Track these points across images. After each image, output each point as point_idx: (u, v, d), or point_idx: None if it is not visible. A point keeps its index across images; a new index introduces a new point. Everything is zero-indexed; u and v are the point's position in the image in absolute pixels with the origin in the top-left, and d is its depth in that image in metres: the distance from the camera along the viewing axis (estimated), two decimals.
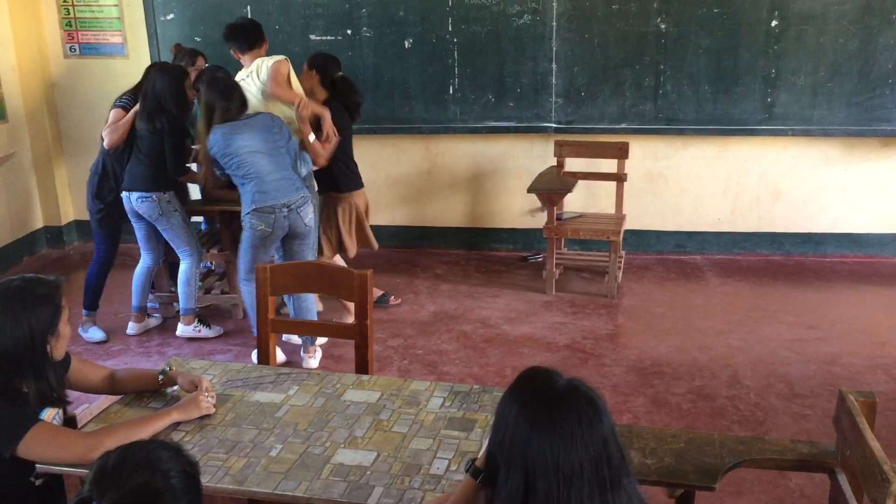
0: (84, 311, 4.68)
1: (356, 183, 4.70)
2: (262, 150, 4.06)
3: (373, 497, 1.98)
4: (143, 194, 4.35)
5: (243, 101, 4.13)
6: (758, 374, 4.11)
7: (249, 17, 5.75)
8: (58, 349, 2.26)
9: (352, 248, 4.70)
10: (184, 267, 4.55)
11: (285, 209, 4.06)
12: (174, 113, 4.31)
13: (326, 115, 4.42)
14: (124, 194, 4.40)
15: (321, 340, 4.46)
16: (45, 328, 2.19)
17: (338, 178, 4.60)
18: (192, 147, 4.56)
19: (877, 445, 2.00)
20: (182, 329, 4.63)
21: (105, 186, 4.55)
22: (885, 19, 5.25)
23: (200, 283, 5.10)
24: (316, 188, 4.56)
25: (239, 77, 4.47)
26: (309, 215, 4.19)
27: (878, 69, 5.35)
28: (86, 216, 4.93)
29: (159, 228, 4.47)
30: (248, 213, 4.04)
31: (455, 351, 4.44)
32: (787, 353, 4.35)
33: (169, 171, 4.35)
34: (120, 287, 5.05)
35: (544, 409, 1.44)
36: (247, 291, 4.18)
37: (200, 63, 5.04)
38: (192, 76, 4.88)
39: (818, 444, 2.43)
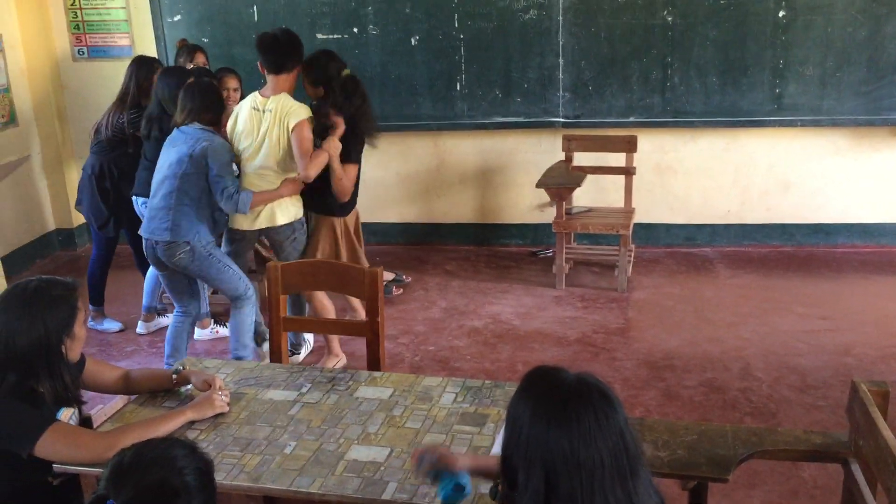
0: (91, 307, 4.74)
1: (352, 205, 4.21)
2: (163, 169, 3.74)
3: (387, 492, 2.00)
4: (146, 199, 4.37)
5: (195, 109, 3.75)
6: (770, 365, 4.11)
7: (256, 17, 5.77)
8: (73, 350, 2.28)
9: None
10: None
11: (156, 246, 3.72)
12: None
13: (340, 128, 3.89)
14: (133, 198, 4.42)
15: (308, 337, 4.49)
16: (60, 329, 2.21)
17: (334, 203, 4.05)
18: None
19: (890, 435, 2.00)
20: (199, 333, 4.65)
21: (101, 188, 4.57)
22: (893, 8, 5.22)
23: None
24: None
25: (250, 103, 3.93)
26: (178, 257, 3.70)
27: (886, 58, 5.32)
28: None
29: None
30: None
31: (466, 347, 4.45)
32: (798, 344, 4.34)
33: None
34: (131, 288, 5.08)
35: (559, 406, 1.44)
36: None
37: (200, 59, 5.04)
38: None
39: (831, 435, 2.43)
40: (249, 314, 3.89)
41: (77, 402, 2.36)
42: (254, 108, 3.90)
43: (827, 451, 2.37)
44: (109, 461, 1.53)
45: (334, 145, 3.87)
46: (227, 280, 3.82)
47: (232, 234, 4.02)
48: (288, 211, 3.95)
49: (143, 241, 3.80)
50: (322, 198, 4.02)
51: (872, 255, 5.69)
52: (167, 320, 4.78)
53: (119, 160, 4.57)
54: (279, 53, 3.90)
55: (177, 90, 3.99)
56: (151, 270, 4.69)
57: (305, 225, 4.08)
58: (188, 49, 5.05)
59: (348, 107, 3.93)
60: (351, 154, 3.96)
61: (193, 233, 3.68)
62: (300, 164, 3.82)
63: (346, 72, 4.01)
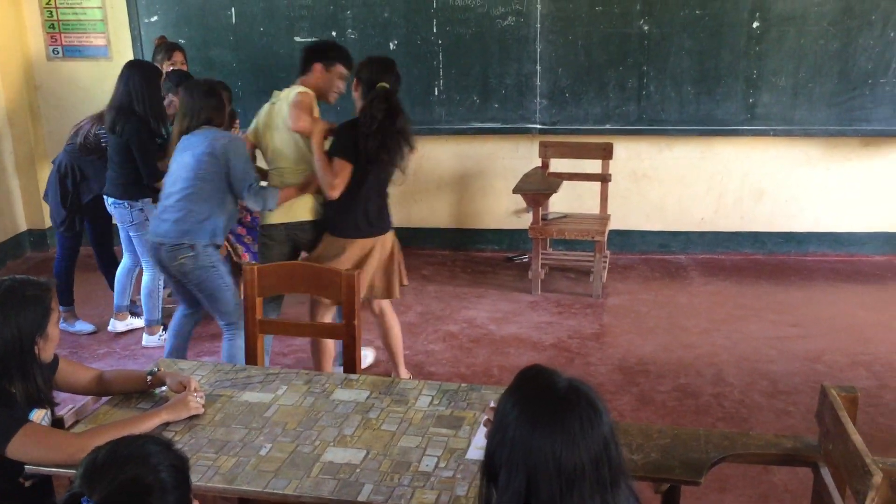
0: (61, 308, 4.69)
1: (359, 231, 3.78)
2: (176, 172, 3.62)
3: (363, 494, 2.00)
4: (116, 201, 4.37)
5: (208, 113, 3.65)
6: (742, 371, 4.15)
7: (234, 20, 5.76)
8: (46, 351, 2.26)
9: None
10: (146, 279, 4.52)
11: (160, 247, 3.61)
12: (140, 116, 4.18)
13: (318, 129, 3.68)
14: (105, 198, 4.40)
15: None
16: (33, 330, 2.19)
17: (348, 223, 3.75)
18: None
19: (859, 439, 2.03)
20: (147, 339, 4.62)
21: (63, 187, 4.55)
22: (865, 20, 5.31)
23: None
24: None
25: (270, 100, 3.92)
26: (180, 260, 3.58)
27: (857, 70, 5.41)
28: None
29: (130, 235, 4.46)
30: None
31: (442, 351, 4.46)
32: (770, 350, 4.40)
33: (144, 179, 4.27)
34: (103, 290, 5.03)
35: (546, 410, 1.44)
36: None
37: (178, 58, 5.01)
38: (165, 69, 4.87)
39: (801, 439, 2.46)
40: (242, 344, 3.40)
41: (49, 404, 2.34)
42: (270, 103, 3.89)
43: (797, 455, 2.40)
44: (83, 460, 1.52)
45: (319, 128, 3.66)
46: (224, 300, 3.67)
47: (261, 236, 3.91)
48: (307, 206, 3.83)
49: (150, 244, 3.75)
50: (343, 216, 3.73)
51: (842, 263, 5.77)
52: (139, 321, 4.75)
53: (86, 165, 4.55)
54: (303, 54, 3.91)
55: (147, 86, 4.09)
56: (121, 269, 4.66)
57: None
58: (167, 47, 5.02)
59: (369, 122, 3.59)
60: (340, 149, 3.62)
61: (200, 236, 3.57)
62: (292, 119, 3.66)
63: (382, 85, 3.65)
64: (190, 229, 3.56)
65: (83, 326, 4.77)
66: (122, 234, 4.55)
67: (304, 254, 3.97)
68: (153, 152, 4.30)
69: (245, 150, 3.71)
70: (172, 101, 4.73)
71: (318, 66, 3.85)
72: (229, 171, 3.55)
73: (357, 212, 3.69)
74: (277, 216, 3.79)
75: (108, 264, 4.81)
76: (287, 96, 3.78)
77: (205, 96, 3.63)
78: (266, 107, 3.92)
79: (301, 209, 3.82)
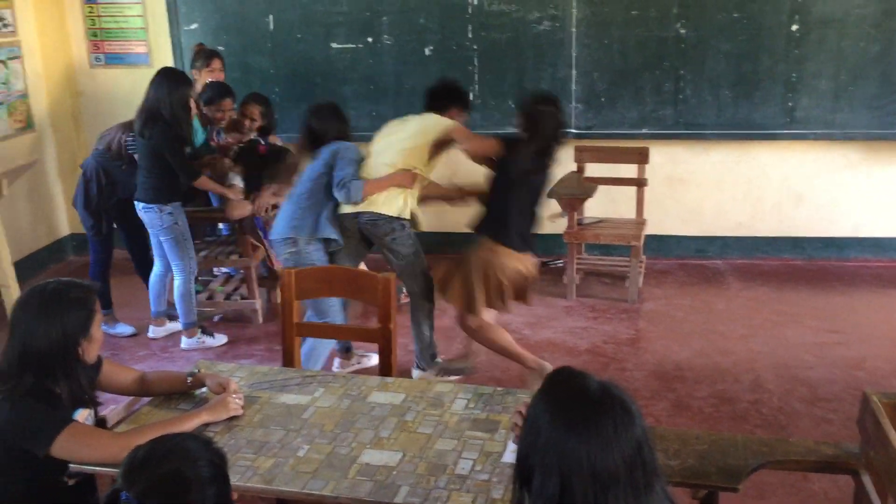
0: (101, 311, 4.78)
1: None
2: (300, 183, 4.05)
3: (399, 496, 2.01)
4: (146, 205, 4.43)
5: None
6: (780, 378, 4.10)
7: (272, 26, 5.82)
8: (90, 352, 2.31)
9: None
10: (177, 283, 4.58)
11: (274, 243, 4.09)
12: (168, 121, 4.26)
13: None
14: (136, 203, 4.48)
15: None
16: (77, 331, 2.24)
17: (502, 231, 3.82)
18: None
19: None
20: (186, 342, 4.68)
21: (87, 192, 4.64)
22: None
23: (221, 288, 5.17)
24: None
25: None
26: (284, 255, 3.96)
27: None
28: None
29: (161, 239, 4.53)
30: None
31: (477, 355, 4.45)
32: (809, 357, 4.34)
33: (182, 182, 4.40)
34: (143, 293, 5.10)
35: (580, 413, 1.43)
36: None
37: (216, 65, 5.10)
38: (203, 78, 4.94)
39: (842, 446, 2.43)
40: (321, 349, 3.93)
41: (93, 404, 2.39)
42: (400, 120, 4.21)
43: (837, 463, 2.37)
44: (125, 458, 1.55)
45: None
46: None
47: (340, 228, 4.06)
48: (392, 203, 3.94)
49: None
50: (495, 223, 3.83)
51: (884, 269, 5.68)
52: (177, 325, 4.81)
53: (113, 169, 4.63)
54: (439, 92, 4.23)
55: (173, 93, 4.24)
56: (154, 276, 4.71)
57: (408, 231, 4.03)
58: (205, 54, 5.10)
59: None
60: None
61: (299, 230, 3.88)
62: (463, 142, 4.01)
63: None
64: (296, 225, 3.89)
65: (123, 329, 4.85)
66: (153, 240, 4.60)
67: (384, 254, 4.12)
68: (184, 154, 4.41)
69: (353, 154, 3.98)
70: (206, 113, 4.84)
71: (454, 111, 4.13)
72: (332, 170, 3.91)
73: (530, 228, 3.89)
74: (352, 206, 3.94)
75: (145, 267, 4.88)
76: (425, 116, 4.09)
77: (331, 118, 4.10)
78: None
79: (383, 203, 3.92)
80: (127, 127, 4.57)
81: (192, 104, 4.47)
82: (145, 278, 4.86)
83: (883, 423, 2.12)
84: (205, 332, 4.72)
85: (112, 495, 1.50)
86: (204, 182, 4.55)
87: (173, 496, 1.49)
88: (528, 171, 3.76)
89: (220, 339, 4.74)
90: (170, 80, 4.33)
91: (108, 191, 4.65)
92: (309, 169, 4.04)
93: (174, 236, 4.46)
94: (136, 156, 4.50)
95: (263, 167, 4.81)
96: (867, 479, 2.27)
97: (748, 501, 3.09)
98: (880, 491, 2.19)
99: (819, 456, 2.39)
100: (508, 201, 3.77)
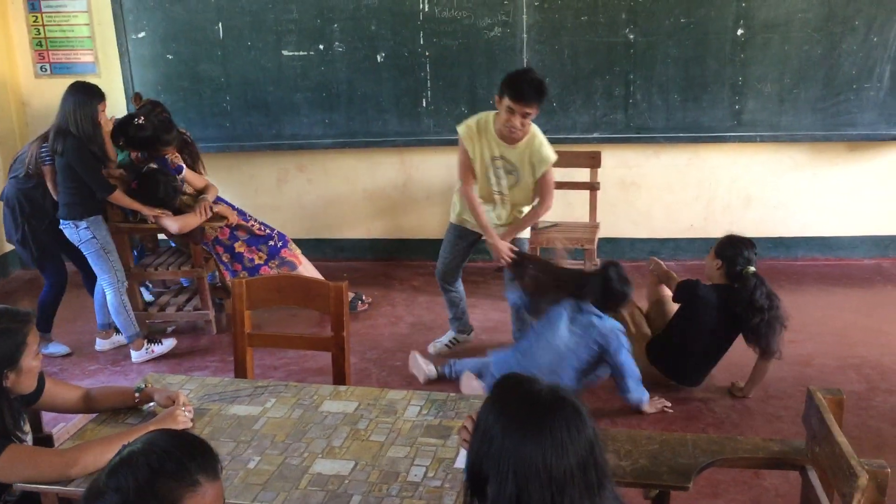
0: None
1: None
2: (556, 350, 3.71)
3: None
4: (63, 222, 4.39)
5: None
6: (732, 376, 4.15)
7: (221, 34, 5.77)
8: (21, 384, 2.24)
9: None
10: (108, 297, 4.51)
11: None
12: (77, 136, 4.21)
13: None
14: (62, 222, 4.42)
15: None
16: (2, 363, 2.17)
17: None
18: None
19: (844, 441, 2.04)
20: (135, 355, 4.60)
21: (11, 222, 4.58)
22: (848, 26, 5.36)
23: (175, 299, 5.09)
24: None
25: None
26: None
27: (842, 75, 5.45)
28: None
29: (84, 253, 4.46)
30: None
31: (433, 362, 4.44)
32: None
33: (96, 193, 4.33)
34: (89, 307, 5.02)
35: (532, 418, 1.44)
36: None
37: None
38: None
39: (789, 443, 2.48)
40: None
41: (17, 440, 2.26)
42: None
43: (785, 459, 2.41)
44: (110, 460, 1.50)
45: None
46: None
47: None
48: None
49: None
50: None
51: (832, 267, 5.80)
52: (122, 338, 4.72)
53: (30, 192, 4.54)
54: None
55: (79, 107, 4.17)
56: (98, 288, 4.61)
57: None
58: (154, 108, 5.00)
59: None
60: None
61: None
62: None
63: (749, 269, 4.03)
64: None
65: (56, 349, 4.70)
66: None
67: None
68: (97, 167, 4.33)
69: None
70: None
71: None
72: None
73: None
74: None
75: (92, 281, 4.79)
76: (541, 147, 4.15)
77: None
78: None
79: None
80: (42, 139, 4.50)
81: (103, 119, 4.34)
82: (92, 292, 4.78)
83: (826, 418, 2.16)
84: (151, 340, 4.64)
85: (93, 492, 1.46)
86: (118, 197, 4.44)
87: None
88: None
89: (169, 343, 4.67)
90: (76, 94, 4.26)
91: (34, 217, 4.56)
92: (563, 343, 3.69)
93: (94, 250, 4.40)
94: (44, 168, 4.44)
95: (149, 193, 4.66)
96: (813, 475, 2.31)
97: (701, 500, 3.13)
98: (826, 485, 2.23)
99: (767, 453, 2.43)
100: None
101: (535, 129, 4.12)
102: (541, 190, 4.22)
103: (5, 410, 2.21)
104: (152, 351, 4.60)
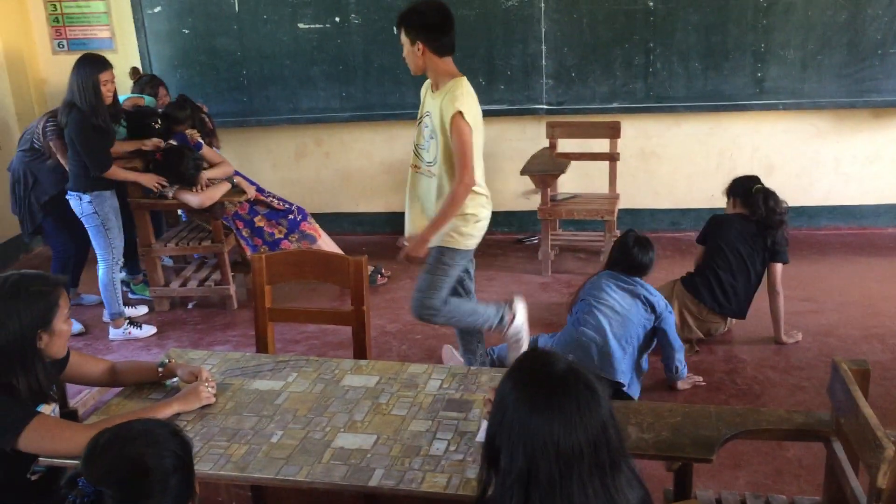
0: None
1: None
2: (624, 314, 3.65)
3: (374, 479, 2.01)
4: (70, 192, 4.41)
5: None
6: (754, 347, 4.14)
7: (237, 8, 5.74)
8: (53, 346, 2.26)
9: None
10: (99, 272, 4.53)
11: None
12: (81, 109, 4.21)
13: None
14: (69, 193, 4.44)
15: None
16: (36, 324, 2.19)
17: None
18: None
19: (870, 412, 2.02)
20: (112, 332, 4.62)
21: (16, 194, 4.67)
22: None
23: (197, 273, 5.12)
24: None
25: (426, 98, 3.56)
26: None
27: (866, 40, 5.35)
28: None
29: (85, 225, 4.48)
30: None
31: (453, 335, 4.44)
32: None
33: (91, 170, 4.32)
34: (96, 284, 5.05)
35: (543, 392, 1.45)
36: None
37: (163, 92, 5.11)
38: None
39: (813, 414, 2.45)
40: None
41: (51, 399, 2.34)
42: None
43: (809, 430, 2.39)
44: (88, 441, 1.53)
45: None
46: None
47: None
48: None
49: None
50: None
51: (855, 236, 5.73)
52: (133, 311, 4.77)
53: (36, 168, 4.62)
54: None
55: (83, 80, 4.14)
56: (102, 277, 4.62)
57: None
58: (152, 84, 5.08)
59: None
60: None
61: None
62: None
63: (759, 187, 4.21)
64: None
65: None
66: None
67: None
68: (96, 143, 4.31)
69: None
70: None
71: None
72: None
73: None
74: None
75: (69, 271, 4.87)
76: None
77: None
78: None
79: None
80: (51, 114, 4.54)
81: (107, 89, 4.29)
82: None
83: (852, 389, 2.14)
84: (132, 323, 4.66)
85: (70, 480, 1.47)
86: (115, 172, 4.42)
87: (132, 483, 1.47)
88: None
89: (149, 330, 4.66)
90: (81, 67, 4.25)
91: (37, 190, 4.64)
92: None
93: (94, 225, 4.42)
94: (51, 143, 4.51)
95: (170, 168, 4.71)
96: (838, 446, 2.29)
97: (724, 470, 3.12)
98: (851, 457, 2.21)
99: (791, 424, 2.40)
100: None
101: (463, 81, 3.48)
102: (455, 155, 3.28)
103: (39, 370, 2.23)
104: (129, 333, 4.61)
